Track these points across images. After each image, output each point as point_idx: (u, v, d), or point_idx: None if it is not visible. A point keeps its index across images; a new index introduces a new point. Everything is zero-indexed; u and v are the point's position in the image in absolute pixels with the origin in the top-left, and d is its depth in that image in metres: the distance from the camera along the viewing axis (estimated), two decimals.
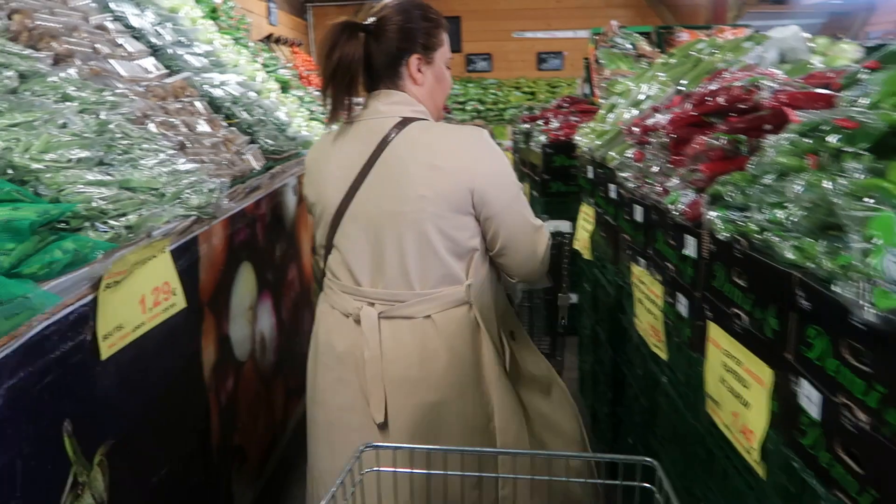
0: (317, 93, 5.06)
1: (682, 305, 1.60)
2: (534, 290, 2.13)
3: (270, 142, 2.41)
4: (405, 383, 1.44)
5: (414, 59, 1.50)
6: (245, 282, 2.24)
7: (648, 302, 1.90)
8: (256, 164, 2.11)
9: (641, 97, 2.26)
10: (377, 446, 1.12)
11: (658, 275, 1.79)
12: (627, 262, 2.14)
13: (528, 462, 1.26)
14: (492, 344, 1.50)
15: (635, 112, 2.20)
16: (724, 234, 1.30)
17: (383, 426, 1.45)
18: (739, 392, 1.29)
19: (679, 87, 2.13)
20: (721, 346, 1.38)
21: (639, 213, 1.93)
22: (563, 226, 2.06)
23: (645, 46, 3.96)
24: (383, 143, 1.42)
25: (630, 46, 3.93)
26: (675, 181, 1.68)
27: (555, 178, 3.76)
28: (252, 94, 2.74)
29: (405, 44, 1.48)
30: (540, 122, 4.18)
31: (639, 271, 1.97)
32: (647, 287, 1.91)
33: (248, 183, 2.09)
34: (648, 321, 1.91)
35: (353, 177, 1.44)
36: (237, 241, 2.13)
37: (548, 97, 8.31)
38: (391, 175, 1.42)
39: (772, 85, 1.58)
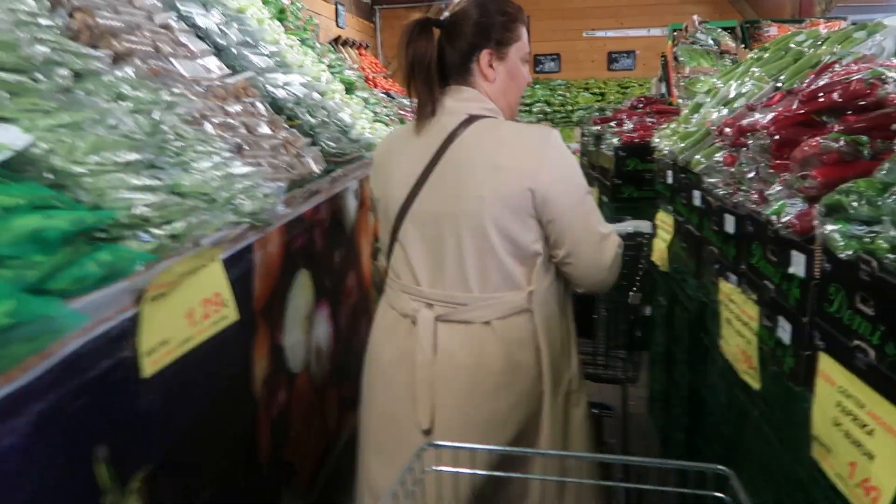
0: (382, 94, 5.00)
1: (784, 331, 1.41)
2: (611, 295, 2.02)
3: (332, 144, 2.32)
4: (457, 390, 1.40)
5: (485, 55, 1.45)
6: (302, 290, 2.15)
7: (739, 323, 1.70)
8: (317, 168, 2.02)
9: (732, 95, 2.05)
10: (438, 445, 1.09)
11: (753, 293, 1.59)
12: (713, 276, 1.93)
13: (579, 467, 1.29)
14: (549, 356, 1.44)
15: (725, 112, 2.00)
16: (846, 252, 1.11)
17: (429, 432, 1.41)
18: (860, 439, 1.10)
19: (778, 84, 1.91)
20: (836, 383, 1.18)
21: (730, 224, 1.74)
22: (644, 226, 1.89)
23: (729, 42, 3.70)
24: (448, 141, 1.39)
25: (712, 42, 3.67)
26: (777, 188, 1.48)
27: (627, 182, 3.55)
28: (316, 96, 2.66)
29: (477, 39, 1.44)
30: (612, 123, 3.97)
31: (728, 289, 1.77)
32: (738, 307, 1.71)
33: (306, 187, 1.99)
34: (738, 345, 1.71)
35: (418, 174, 1.41)
36: (294, 247, 2.04)
37: (618, 98, 8.02)
38: (454, 174, 1.39)
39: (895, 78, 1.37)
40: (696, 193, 2.09)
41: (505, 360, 1.40)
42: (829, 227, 1.17)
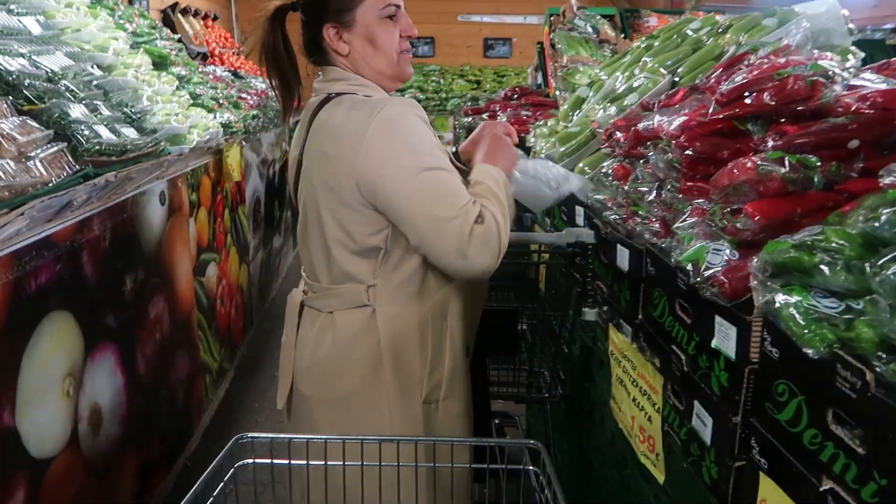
0: (225, 72, 4.31)
1: (703, 424, 1.01)
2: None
3: (102, 138, 1.69)
4: (305, 375, 1.39)
5: (328, 31, 1.31)
6: (53, 341, 1.55)
7: (636, 390, 1.31)
8: (49, 174, 1.41)
9: (621, 89, 1.66)
10: (253, 437, 1.08)
11: (655, 357, 1.20)
12: (601, 321, 1.54)
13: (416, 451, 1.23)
14: (393, 356, 1.31)
15: (613, 110, 1.60)
16: (816, 348, 0.71)
17: (288, 415, 1.47)
18: None
19: (676, 77, 1.54)
20: None
21: (623, 258, 1.33)
22: (585, 235, 1.54)
23: (608, 31, 3.38)
24: (310, 125, 1.33)
25: (591, 30, 3.34)
26: (688, 221, 1.08)
27: None
28: (96, 72, 2.00)
29: (313, 15, 1.33)
30: (485, 115, 3.56)
31: (621, 341, 1.37)
32: (634, 368, 1.32)
33: (46, 201, 1.38)
34: (635, 417, 1.32)
35: (297, 158, 1.39)
36: (34, 285, 1.44)
37: (494, 87, 7.69)
38: (307, 162, 1.34)
39: (843, 77, 1.00)
40: (580, 210, 1.69)
41: (337, 352, 1.33)
42: (782, 299, 0.77)
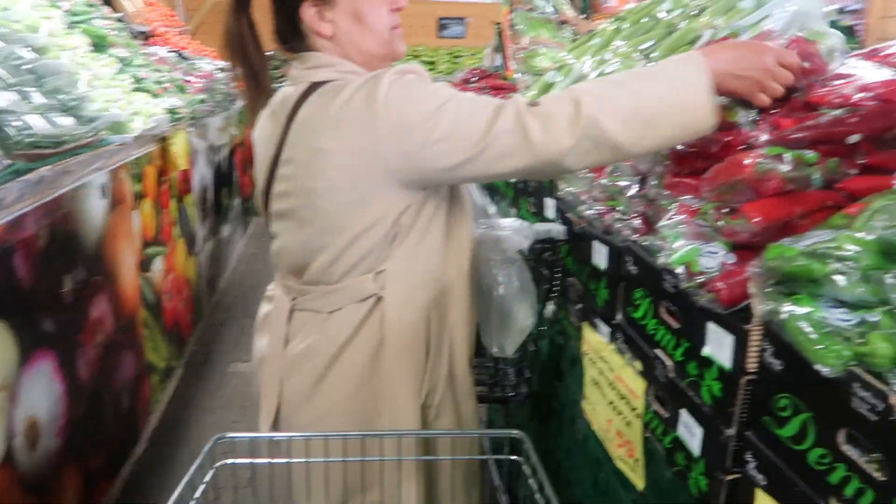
0: (169, 54, 4.09)
1: (691, 434, 0.96)
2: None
3: (38, 128, 1.54)
4: (301, 388, 1.24)
5: (307, 10, 1.16)
6: None
7: (613, 393, 1.25)
8: None
9: (592, 74, 1.59)
10: (233, 437, 1.04)
11: (637, 361, 1.14)
12: (572, 317, 1.48)
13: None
14: (405, 351, 1.20)
15: None
16: (833, 366, 0.65)
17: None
18: None
19: (651, 63, 1.48)
20: None
21: (601, 255, 1.27)
22: (556, 230, 1.47)
23: (568, 12, 3.31)
24: (290, 119, 1.17)
25: (552, 10, 3.26)
26: (675, 219, 1.02)
27: None
28: (27, 54, 1.82)
29: None
30: None
31: (597, 341, 1.32)
32: (611, 370, 1.26)
33: None
34: (611, 420, 1.27)
35: (272, 156, 1.21)
36: None
37: (449, 68, 7.57)
38: (295, 158, 1.17)
39: (855, 66, 0.95)
40: (550, 202, 1.62)
41: (341, 353, 1.21)
42: (789, 309, 0.71)
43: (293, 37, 1.20)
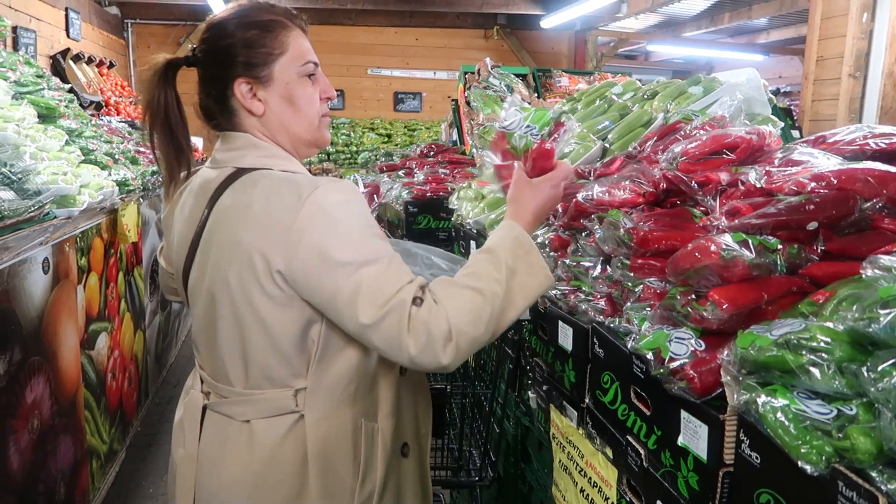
0: (120, 124, 4.04)
1: None
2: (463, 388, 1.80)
3: None
4: (214, 499, 1.17)
5: (240, 86, 1.15)
6: None
7: (584, 480, 1.21)
8: None
9: None
10: None
11: (608, 448, 1.11)
12: (541, 400, 1.45)
13: None
14: (323, 471, 1.13)
15: None
16: (815, 464, 0.63)
17: None
18: None
19: (606, 144, 1.51)
20: None
21: (566, 336, 1.25)
22: None
23: (522, 90, 3.42)
24: (212, 204, 1.14)
25: (506, 88, 3.36)
26: (641, 304, 1.01)
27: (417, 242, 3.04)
28: None
29: (223, 69, 1.15)
30: (401, 172, 3.48)
31: (566, 426, 1.28)
32: (581, 456, 1.23)
33: None
34: None
35: (190, 240, 1.18)
36: None
37: (406, 140, 7.69)
38: (213, 247, 1.14)
39: (805, 154, 0.98)
40: None
41: (256, 470, 1.13)
42: (764, 401, 0.70)
43: (220, 112, 1.18)
